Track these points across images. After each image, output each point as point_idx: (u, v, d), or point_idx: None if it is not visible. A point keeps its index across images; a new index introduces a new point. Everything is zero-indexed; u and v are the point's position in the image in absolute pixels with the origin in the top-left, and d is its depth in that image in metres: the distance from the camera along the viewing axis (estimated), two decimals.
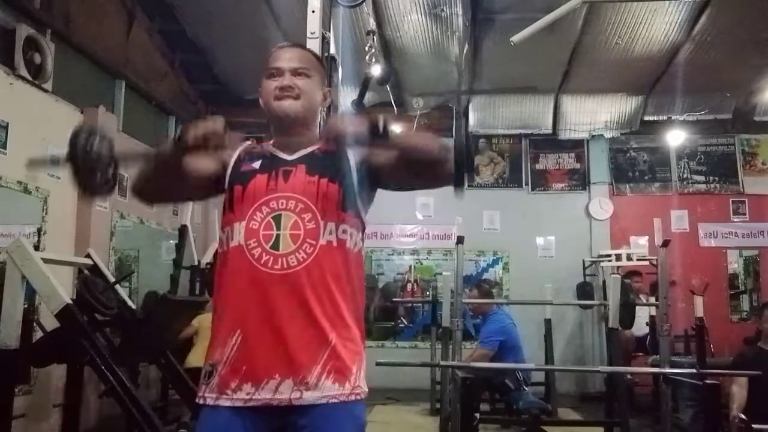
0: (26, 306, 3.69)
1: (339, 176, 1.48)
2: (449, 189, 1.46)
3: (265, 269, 1.41)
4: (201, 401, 1.45)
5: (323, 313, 1.42)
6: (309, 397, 1.39)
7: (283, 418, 1.40)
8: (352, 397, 1.42)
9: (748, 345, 4.32)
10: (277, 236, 1.42)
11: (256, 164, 1.52)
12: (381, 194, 1.57)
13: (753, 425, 3.36)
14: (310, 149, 1.54)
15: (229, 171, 1.54)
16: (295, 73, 1.53)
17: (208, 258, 5.50)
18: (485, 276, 7.62)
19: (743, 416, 3.49)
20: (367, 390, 1.47)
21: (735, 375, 3.82)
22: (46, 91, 4.77)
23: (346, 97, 6.20)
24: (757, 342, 4.05)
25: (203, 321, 4.60)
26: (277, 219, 1.43)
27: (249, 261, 1.42)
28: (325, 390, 1.38)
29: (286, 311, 1.39)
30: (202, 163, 1.53)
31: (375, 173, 1.51)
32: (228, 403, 1.40)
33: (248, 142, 1.60)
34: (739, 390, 3.71)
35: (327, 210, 1.45)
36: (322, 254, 1.42)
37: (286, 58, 1.54)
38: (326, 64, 1.63)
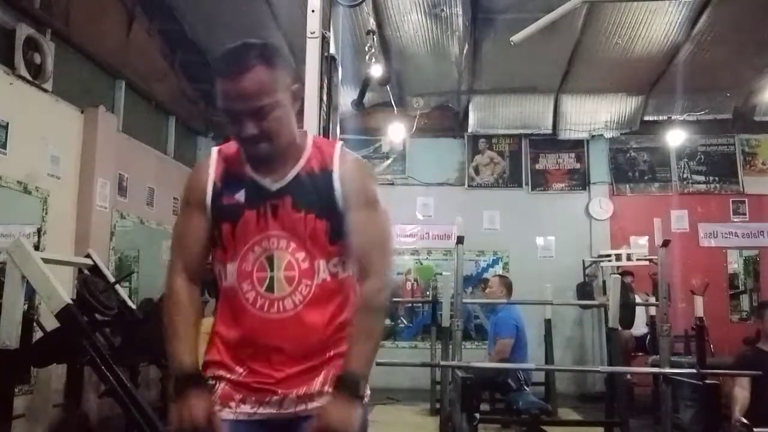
0: (26, 306, 3.68)
1: (325, 211, 1.40)
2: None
3: (261, 314, 1.38)
4: None
5: (321, 339, 1.41)
6: (313, 407, 1.40)
7: (288, 425, 1.41)
8: None
9: (748, 345, 4.32)
10: (272, 278, 1.38)
11: (240, 196, 1.41)
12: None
13: (754, 429, 3.36)
14: (293, 172, 1.42)
15: (209, 200, 1.43)
16: (256, 113, 1.32)
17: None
18: (485, 276, 7.62)
19: (745, 420, 3.48)
20: (369, 393, 1.47)
21: (734, 375, 3.82)
22: (46, 91, 4.76)
23: (347, 96, 6.20)
24: (756, 342, 4.05)
25: (205, 324, 4.59)
26: (270, 259, 1.39)
27: (243, 304, 1.39)
28: (328, 398, 1.38)
29: (285, 349, 1.39)
30: (197, 235, 1.45)
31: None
32: (231, 417, 1.39)
33: (218, 150, 1.48)
34: (741, 392, 3.70)
35: (318, 247, 1.40)
36: (317, 293, 1.40)
37: (239, 97, 1.31)
38: (289, 63, 1.42)
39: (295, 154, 1.43)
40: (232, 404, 1.40)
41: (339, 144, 1.49)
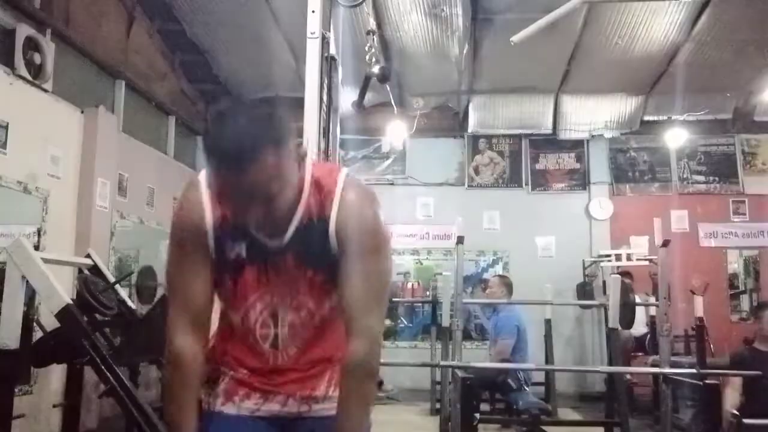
0: (26, 306, 3.68)
1: (327, 263, 1.32)
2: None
3: (266, 365, 1.40)
4: (205, 406, 1.41)
5: (323, 353, 1.42)
6: (318, 408, 1.41)
7: (291, 424, 1.42)
8: None
9: (746, 345, 4.33)
10: (275, 334, 1.37)
11: (242, 250, 1.31)
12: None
13: (744, 420, 3.37)
14: (292, 227, 1.29)
15: (212, 245, 1.32)
16: (264, 199, 1.19)
17: None
18: (485, 276, 7.62)
19: (735, 411, 3.49)
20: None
21: (734, 375, 3.83)
22: (46, 91, 4.77)
23: (347, 96, 6.20)
24: (753, 342, 4.06)
25: None
26: (274, 316, 1.36)
27: (248, 348, 1.40)
28: (333, 401, 1.37)
29: (290, 368, 1.41)
30: (201, 285, 1.35)
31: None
32: (234, 411, 1.40)
33: (209, 186, 1.30)
34: (731, 392, 3.72)
35: (319, 301, 1.37)
36: (318, 332, 1.40)
37: (245, 189, 1.17)
38: (290, 124, 1.25)
39: (293, 203, 1.27)
40: (236, 399, 1.40)
41: (341, 177, 1.33)
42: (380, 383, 6.53)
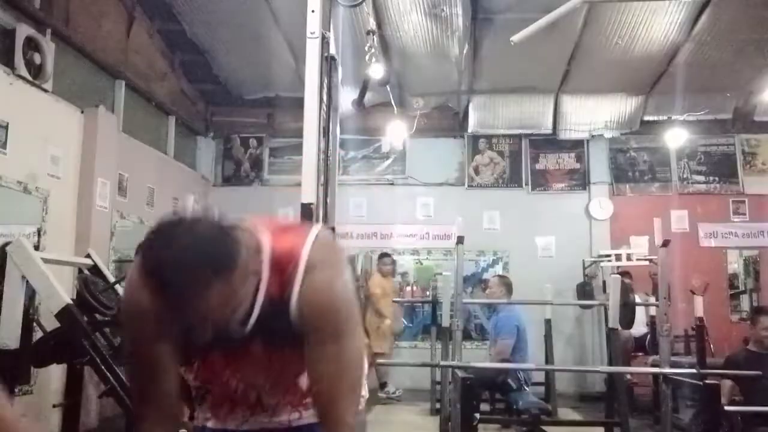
0: (26, 306, 3.68)
1: (295, 344, 1.24)
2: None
3: (247, 417, 1.37)
4: (195, 421, 1.40)
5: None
6: (308, 415, 1.37)
7: None
8: None
9: (743, 345, 4.34)
10: (258, 396, 1.34)
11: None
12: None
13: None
14: (255, 314, 1.20)
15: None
16: (212, 323, 1.11)
17: None
18: (485, 276, 7.62)
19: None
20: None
21: (734, 376, 3.83)
22: (46, 91, 4.77)
23: (347, 96, 6.20)
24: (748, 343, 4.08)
25: None
26: (245, 395, 1.33)
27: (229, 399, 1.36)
28: None
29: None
30: (168, 375, 1.26)
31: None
32: (219, 426, 1.37)
33: None
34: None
35: (294, 374, 1.32)
36: (297, 389, 1.35)
37: (189, 316, 1.09)
38: (237, 249, 1.11)
39: (252, 294, 1.18)
40: (221, 414, 1.37)
41: (304, 253, 1.20)
42: (383, 384, 6.53)
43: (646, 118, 7.70)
